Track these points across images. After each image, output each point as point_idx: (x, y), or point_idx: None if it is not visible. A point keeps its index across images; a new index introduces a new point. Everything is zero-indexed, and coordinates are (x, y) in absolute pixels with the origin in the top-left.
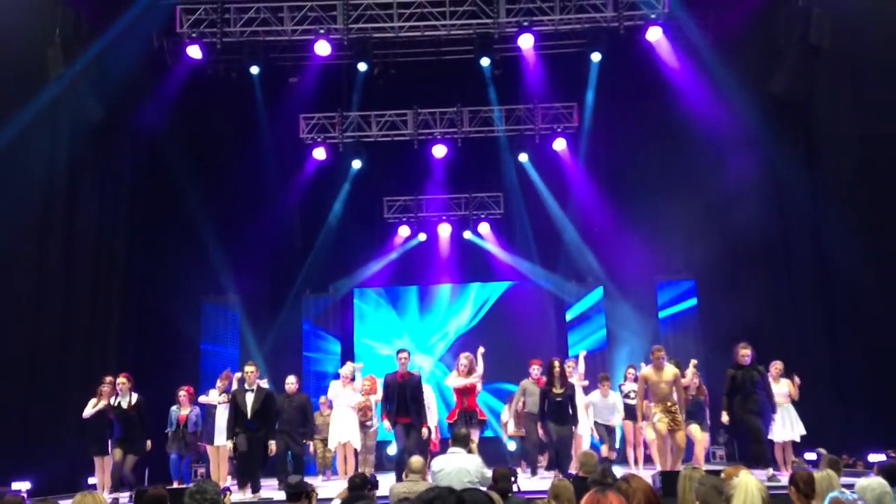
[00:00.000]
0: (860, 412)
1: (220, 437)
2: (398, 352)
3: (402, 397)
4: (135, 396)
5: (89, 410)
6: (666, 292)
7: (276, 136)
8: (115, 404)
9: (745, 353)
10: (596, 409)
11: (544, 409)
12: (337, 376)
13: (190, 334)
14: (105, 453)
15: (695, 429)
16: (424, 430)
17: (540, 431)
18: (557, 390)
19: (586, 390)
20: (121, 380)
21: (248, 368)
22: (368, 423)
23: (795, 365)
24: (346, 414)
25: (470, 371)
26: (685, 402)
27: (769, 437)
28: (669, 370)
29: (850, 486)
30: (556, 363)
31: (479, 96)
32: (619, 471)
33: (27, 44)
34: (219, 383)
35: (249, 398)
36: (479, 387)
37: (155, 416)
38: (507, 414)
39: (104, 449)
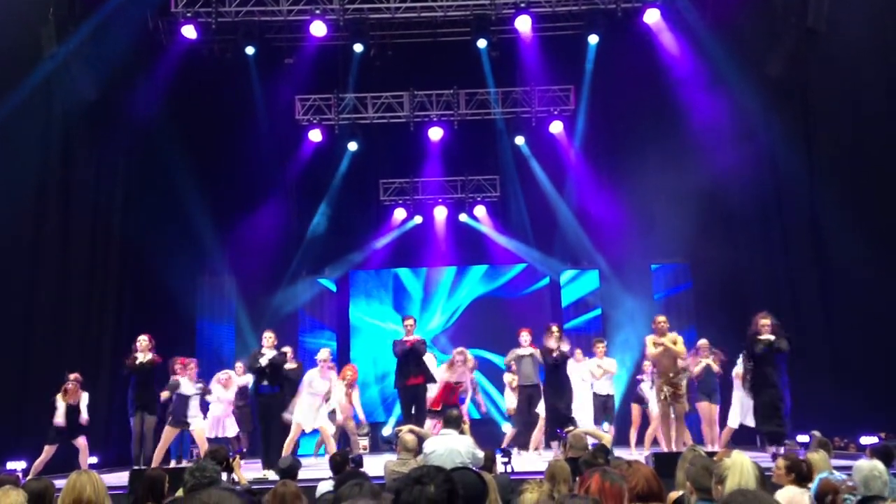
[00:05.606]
0: (853, 394)
1: (192, 423)
2: (404, 318)
3: (410, 361)
4: (150, 355)
5: (60, 418)
6: (661, 275)
7: (271, 118)
8: (137, 362)
9: (764, 322)
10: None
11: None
12: (335, 359)
13: (186, 314)
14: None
15: (704, 406)
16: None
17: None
18: (553, 351)
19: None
20: (142, 337)
21: (267, 334)
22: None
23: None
24: (315, 402)
25: (461, 367)
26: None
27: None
28: (671, 337)
29: (841, 469)
30: (554, 327)
31: (475, 78)
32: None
33: (21, 22)
34: (188, 372)
35: (264, 361)
36: (469, 393)
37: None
38: (510, 376)
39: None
